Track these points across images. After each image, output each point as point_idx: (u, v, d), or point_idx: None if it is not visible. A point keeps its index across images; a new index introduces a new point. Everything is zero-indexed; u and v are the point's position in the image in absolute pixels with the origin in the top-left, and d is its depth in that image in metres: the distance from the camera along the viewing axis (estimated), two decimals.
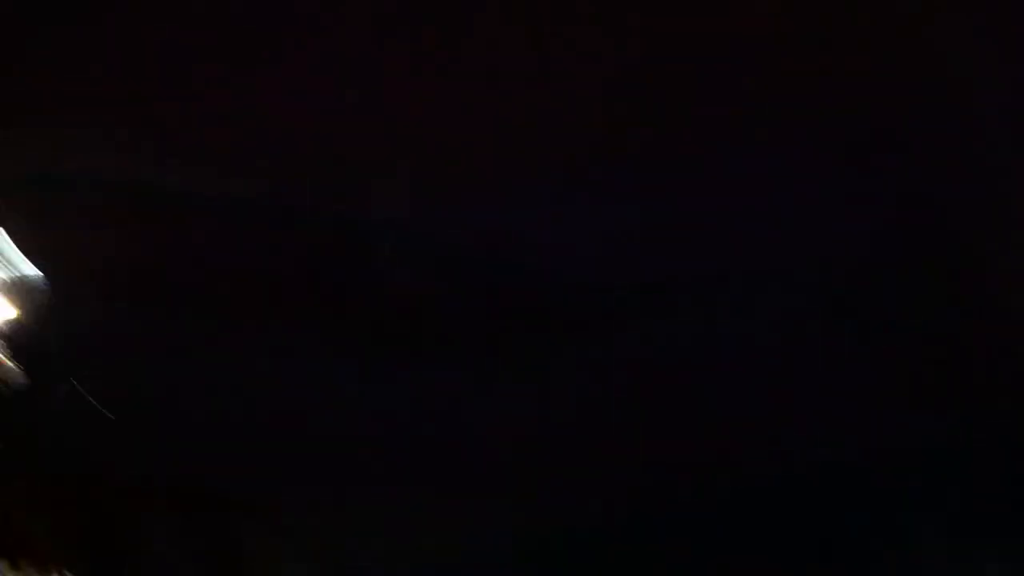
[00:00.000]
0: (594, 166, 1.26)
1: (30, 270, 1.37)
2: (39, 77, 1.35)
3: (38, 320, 1.38)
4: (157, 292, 1.38)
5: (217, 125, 1.34)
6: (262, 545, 1.39)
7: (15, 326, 1.38)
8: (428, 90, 1.32)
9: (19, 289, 1.37)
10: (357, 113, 1.35)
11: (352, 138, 1.35)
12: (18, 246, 1.37)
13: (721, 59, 1.23)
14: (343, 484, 1.38)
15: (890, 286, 1.26)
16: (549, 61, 1.26)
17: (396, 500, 1.38)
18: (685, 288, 1.26)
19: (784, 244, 1.26)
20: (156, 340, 1.38)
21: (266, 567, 1.39)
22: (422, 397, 1.36)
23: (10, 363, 1.37)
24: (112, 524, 1.39)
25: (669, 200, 1.26)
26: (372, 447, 1.37)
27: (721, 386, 1.28)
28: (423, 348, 1.36)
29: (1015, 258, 1.26)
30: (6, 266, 1.37)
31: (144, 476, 1.38)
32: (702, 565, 1.33)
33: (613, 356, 1.29)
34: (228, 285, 1.38)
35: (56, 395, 1.36)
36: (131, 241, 1.37)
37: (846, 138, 1.24)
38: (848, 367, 1.28)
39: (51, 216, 1.37)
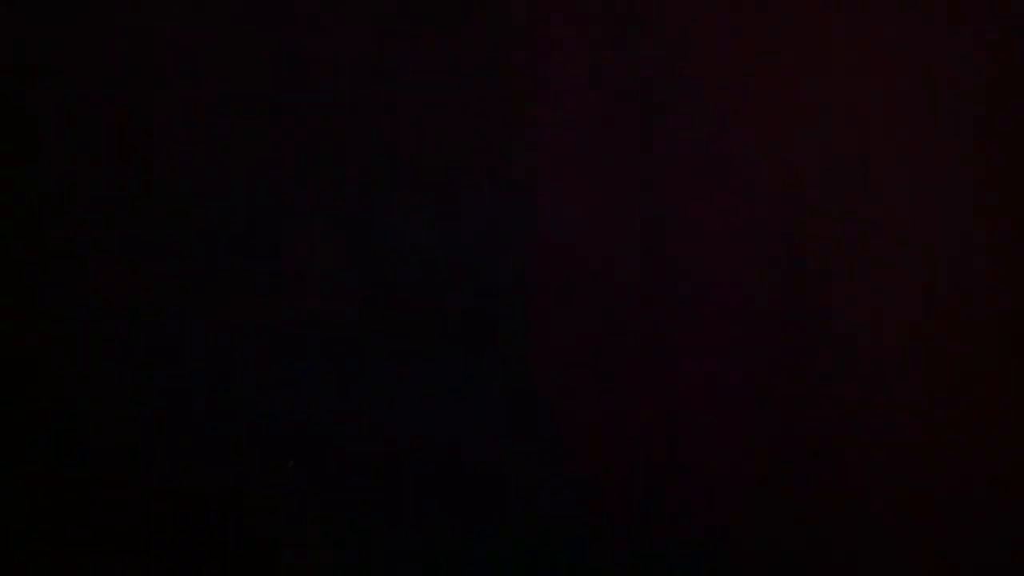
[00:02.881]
0: None
1: None
2: None
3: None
4: (158, 290, 1.38)
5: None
6: (262, 544, 1.38)
7: None
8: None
9: None
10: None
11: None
12: None
13: None
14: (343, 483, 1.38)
15: None
16: None
17: (394, 497, 1.38)
18: None
19: None
20: (157, 338, 1.38)
21: (266, 566, 1.39)
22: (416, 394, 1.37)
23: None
24: (112, 524, 1.38)
25: None
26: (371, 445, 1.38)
27: None
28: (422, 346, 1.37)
29: None
30: None
31: (144, 476, 1.38)
32: None
33: None
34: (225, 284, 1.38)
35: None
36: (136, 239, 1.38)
37: None
38: None
39: None
